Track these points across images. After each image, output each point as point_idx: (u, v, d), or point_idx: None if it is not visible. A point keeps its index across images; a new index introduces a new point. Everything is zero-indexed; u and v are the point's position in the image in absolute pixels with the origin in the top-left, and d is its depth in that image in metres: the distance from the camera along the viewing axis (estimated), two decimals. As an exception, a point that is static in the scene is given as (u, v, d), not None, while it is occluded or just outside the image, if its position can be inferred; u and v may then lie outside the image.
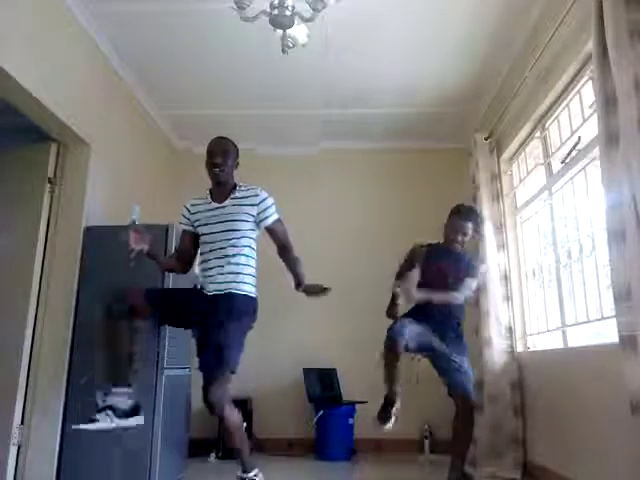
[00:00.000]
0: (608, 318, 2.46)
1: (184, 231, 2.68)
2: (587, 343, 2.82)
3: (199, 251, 2.65)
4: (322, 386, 4.21)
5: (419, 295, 2.78)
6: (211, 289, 2.50)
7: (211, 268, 2.51)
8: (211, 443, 3.96)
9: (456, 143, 4.68)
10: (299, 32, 2.51)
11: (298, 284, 2.64)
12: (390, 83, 3.95)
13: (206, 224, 2.55)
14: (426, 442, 4.02)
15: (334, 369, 4.33)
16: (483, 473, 3.33)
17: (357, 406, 4.02)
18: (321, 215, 4.82)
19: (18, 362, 2.90)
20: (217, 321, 2.40)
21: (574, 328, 3.00)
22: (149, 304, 2.46)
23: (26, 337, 2.94)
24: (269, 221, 2.60)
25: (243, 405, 3.99)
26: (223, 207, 2.56)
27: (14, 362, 2.90)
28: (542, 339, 3.48)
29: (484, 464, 3.39)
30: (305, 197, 4.87)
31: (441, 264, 2.90)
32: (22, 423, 2.88)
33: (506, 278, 3.70)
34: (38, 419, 2.89)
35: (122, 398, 2.36)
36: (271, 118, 4.50)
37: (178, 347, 3.11)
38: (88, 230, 3.19)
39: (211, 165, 2.56)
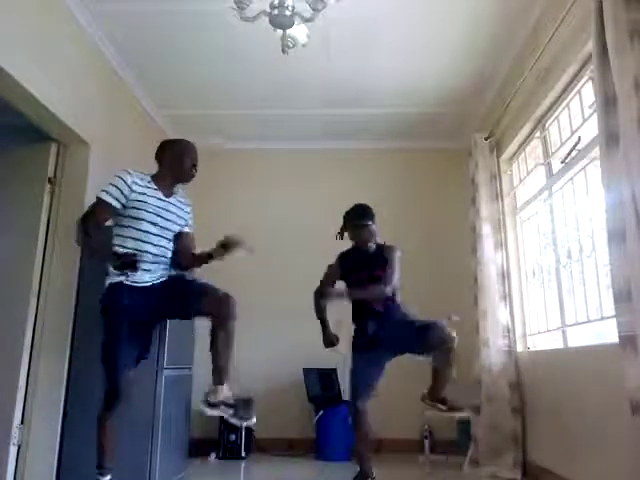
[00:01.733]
0: (608, 318, 2.46)
1: (113, 207, 2.38)
2: (587, 343, 2.82)
3: (124, 233, 2.41)
4: (322, 386, 4.21)
5: (347, 294, 2.90)
6: (146, 279, 2.40)
7: (144, 261, 2.36)
8: (211, 443, 3.96)
9: (456, 143, 4.68)
10: (299, 32, 2.51)
11: (217, 249, 2.53)
12: (390, 83, 3.95)
13: (152, 213, 2.45)
14: (426, 442, 4.01)
15: (334, 369, 4.32)
16: (483, 473, 3.33)
17: (357, 406, 4.02)
18: (321, 215, 4.81)
19: (18, 362, 2.90)
20: (172, 288, 2.44)
21: (571, 328, 3.00)
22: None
23: (26, 337, 2.94)
24: (191, 229, 2.69)
25: (243, 405, 3.99)
26: (170, 203, 2.56)
27: (14, 362, 2.90)
28: (542, 339, 3.48)
29: (484, 463, 3.40)
30: (305, 197, 4.87)
31: (356, 269, 2.95)
32: (22, 423, 2.88)
33: (504, 277, 3.71)
34: (38, 419, 2.89)
35: None
36: (271, 118, 4.50)
37: (178, 347, 3.11)
38: (88, 230, 3.19)
39: (192, 167, 2.60)
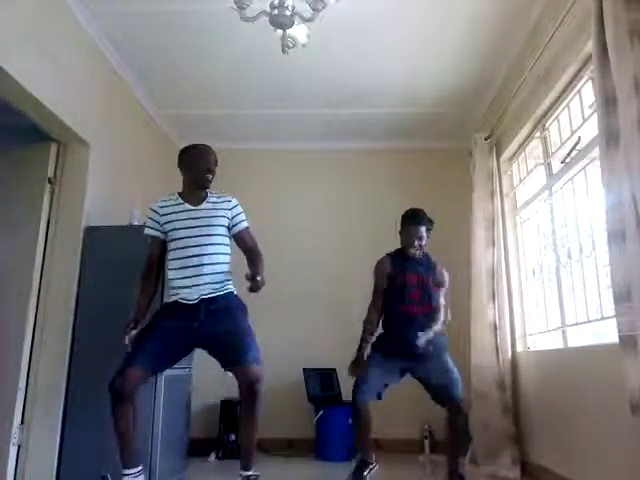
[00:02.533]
0: (608, 318, 2.46)
1: (154, 238, 2.55)
2: (587, 343, 2.82)
3: (169, 256, 2.51)
4: (322, 386, 4.21)
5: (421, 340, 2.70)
6: (194, 296, 2.39)
7: (188, 276, 2.40)
8: (211, 443, 3.96)
9: (456, 143, 4.68)
10: (299, 32, 2.51)
11: (252, 277, 2.40)
12: (390, 83, 3.96)
13: (183, 227, 2.47)
14: (426, 442, 4.02)
15: (334, 369, 4.33)
16: (483, 472, 3.33)
17: (357, 406, 4.02)
18: (321, 215, 4.82)
19: (18, 362, 2.90)
20: (219, 325, 2.37)
21: (570, 328, 3.00)
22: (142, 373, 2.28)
23: (26, 337, 2.94)
24: (241, 227, 2.59)
25: (243, 405, 3.99)
26: (201, 209, 2.52)
27: (14, 362, 2.90)
28: (542, 339, 3.48)
29: (483, 463, 3.40)
30: (305, 197, 4.87)
31: (407, 275, 2.85)
32: (22, 423, 2.88)
33: (494, 277, 3.71)
34: (38, 419, 2.90)
35: None
36: (271, 118, 4.50)
37: (178, 347, 3.10)
38: (88, 230, 3.20)
39: (206, 171, 2.54)
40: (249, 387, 2.35)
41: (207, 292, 2.40)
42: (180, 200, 2.55)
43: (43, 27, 2.82)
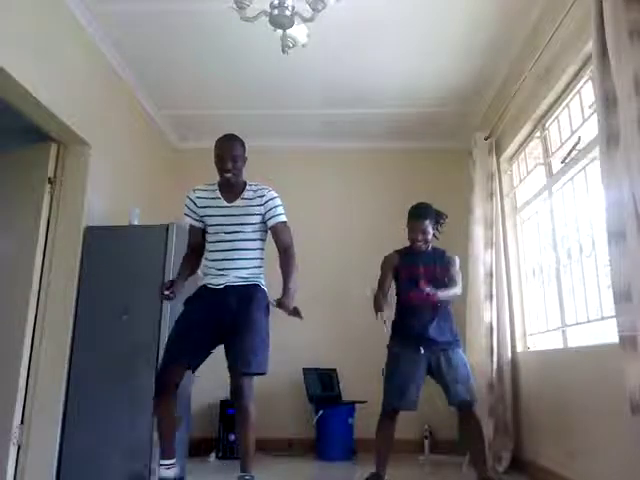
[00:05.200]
0: (608, 318, 2.46)
1: (193, 226, 2.59)
2: (587, 343, 2.82)
3: (207, 247, 2.57)
4: (322, 386, 4.21)
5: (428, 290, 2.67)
6: (222, 282, 2.44)
7: (219, 267, 2.46)
8: (211, 443, 3.96)
9: (456, 143, 4.68)
10: (299, 32, 2.51)
11: (280, 302, 2.45)
12: (390, 83, 3.96)
13: (218, 224, 2.50)
14: (426, 442, 4.02)
15: (334, 369, 4.33)
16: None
17: (357, 406, 4.02)
18: (321, 215, 4.82)
19: (18, 362, 2.90)
20: (238, 314, 2.38)
21: (569, 328, 3.00)
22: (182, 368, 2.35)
23: (26, 337, 2.94)
24: (274, 221, 2.53)
25: (243, 405, 3.99)
26: (235, 207, 2.51)
27: (14, 362, 2.90)
28: (542, 339, 3.48)
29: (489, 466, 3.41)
30: (305, 197, 4.87)
31: (413, 267, 2.85)
32: (22, 423, 2.88)
33: (491, 277, 3.71)
34: (38, 419, 2.90)
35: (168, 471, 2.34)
36: (271, 118, 4.50)
37: (178, 347, 3.10)
38: (88, 230, 3.20)
39: (222, 171, 2.50)
40: (236, 400, 2.31)
41: (233, 280, 2.44)
42: (217, 194, 2.53)
43: (43, 27, 2.82)
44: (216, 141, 2.54)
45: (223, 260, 2.46)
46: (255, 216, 2.51)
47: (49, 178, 3.16)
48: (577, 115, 2.93)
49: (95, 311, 3.06)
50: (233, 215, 2.49)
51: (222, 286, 2.43)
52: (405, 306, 2.84)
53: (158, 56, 3.62)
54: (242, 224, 2.48)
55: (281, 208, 2.56)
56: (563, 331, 3.05)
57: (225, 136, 2.56)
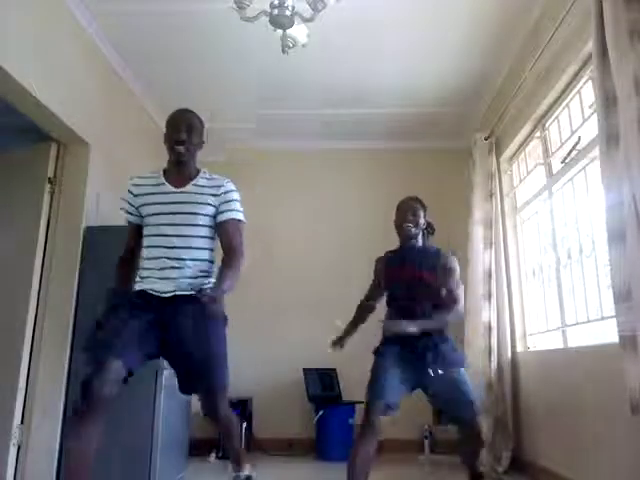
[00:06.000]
0: (608, 318, 2.46)
1: (130, 223, 2.17)
2: (587, 343, 2.81)
3: (143, 245, 2.11)
4: (322, 386, 4.21)
5: (407, 327, 2.27)
6: (168, 289, 1.97)
7: (163, 268, 1.99)
8: (211, 443, 3.96)
9: (456, 143, 4.68)
10: (299, 32, 2.51)
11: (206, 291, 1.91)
12: (390, 83, 3.95)
13: (159, 213, 2.04)
14: (426, 442, 4.02)
15: (334, 369, 4.33)
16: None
17: (357, 406, 4.02)
18: (321, 215, 4.82)
19: (18, 362, 2.90)
20: (190, 329, 1.93)
21: (569, 328, 3.00)
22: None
23: (26, 337, 2.94)
24: (227, 216, 2.08)
25: (243, 405, 4.00)
26: (182, 193, 2.06)
27: (14, 362, 2.90)
28: (542, 339, 3.48)
29: (482, 463, 3.40)
30: (304, 197, 4.87)
31: (404, 269, 2.43)
32: (22, 423, 2.88)
33: (490, 277, 3.71)
34: (38, 419, 2.89)
35: None
36: (271, 118, 4.50)
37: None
38: (88, 230, 3.19)
39: (173, 141, 2.08)
40: (212, 416, 2.05)
41: (184, 288, 1.97)
42: (161, 179, 2.11)
43: (43, 27, 2.82)
44: (168, 118, 2.16)
45: (167, 259, 1.99)
46: (208, 207, 2.05)
47: (49, 178, 3.16)
48: (577, 115, 2.93)
49: (95, 311, 3.06)
50: (180, 203, 2.03)
51: (170, 294, 1.96)
52: (392, 314, 2.47)
53: (158, 56, 3.62)
54: (191, 214, 2.03)
55: (239, 205, 2.13)
56: (563, 331, 3.05)
57: (177, 112, 2.16)
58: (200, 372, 1.98)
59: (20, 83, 2.59)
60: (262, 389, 4.36)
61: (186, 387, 2.05)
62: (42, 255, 3.08)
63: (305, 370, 4.18)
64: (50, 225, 3.14)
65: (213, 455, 3.91)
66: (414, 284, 2.39)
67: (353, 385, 4.27)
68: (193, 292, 1.95)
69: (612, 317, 2.17)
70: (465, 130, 4.47)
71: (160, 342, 1.95)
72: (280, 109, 4.34)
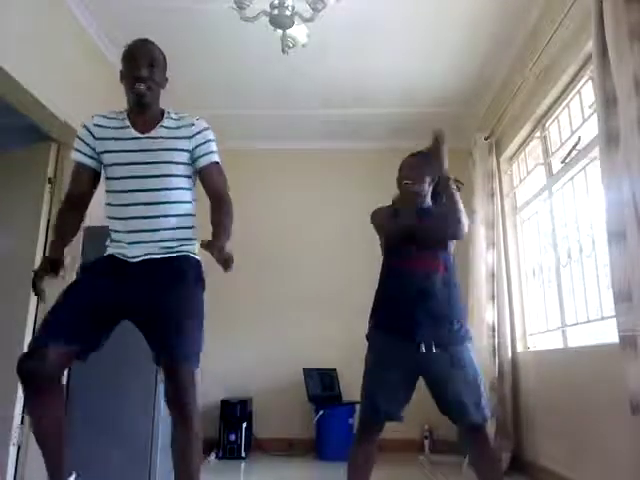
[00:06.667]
0: (608, 318, 2.46)
1: (80, 165, 1.85)
2: (587, 343, 2.82)
3: (106, 201, 1.84)
4: (322, 386, 4.21)
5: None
6: (137, 253, 1.74)
7: (133, 230, 1.76)
8: (211, 443, 3.96)
9: (456, 143, 4.63)
10: (299, 32, 2.51)
11: (210, 243, 1.59)
12: (390, 83, 3.96)
13: (125, 163, 1.76)
14: (426, 442, 4.02)
15: (334, 369, 4.33)
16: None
17: (357, 406, 4.02)
18: (321, 215, 4.82)
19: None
20: (159, 291, 1.69)
21: (569, 328, 3.00)
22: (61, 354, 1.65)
23: (26, 337, 2.94)
24: (206, 160, 1.83)
25: (243, 405, 4.00)
26: (149, 138, 1.79)
27: (14, 362, 2.90)
28: (542, 339, 3.48)
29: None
30: (305, 197, 4.87)
31: (414, 224, 2.00)
32: (22, 423, 2.88)
33: (493, 277, 3.71)
34: (38, 419, 2.89)
35: None
36: (271, 118, 4.50)
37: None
38: (88, 230, 3.19)
39: (133, 79, 1.78)
40: (175, 407, 1.66)
41: (155, 251, 1.75)
42: (126, 122, 1.82)
43: (43, 27, 2.82)
44: (124, 51, 1.86)
45: (137, 219, 1.75)
46: (181, 152, 1.80)
47: (49, 178, 3.16)
48: (577, 115, 2.93)
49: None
50: (149, 150, 1.77)
51: (138, 259, 1.73)
52: (387, 276, 2.05)
53: (158, 56, 3.62)
54: (164, 163, 1.77)
55: (215, 145, 1.88)
56: (563, 331, 3.05)
57: (135, 44, 1.85)
58: (164, 337, 1.66)
59: (20, 83, 2.59)
60: (262, 389, 4.36)
61: (154, 345, 1.71)
62: (42, 255, 3.07)
63: (305, 370, 4.18)
64: (50, 225, 3.13)
65: (213, 455, 3.91)
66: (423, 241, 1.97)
67: (353, 385, 4.25)
68: (169, 254, 1.75)
69: (612, 317, 2.17)
70: (465, 130, 4.46)
71: (121, 309, 1.73)
72: (280, 109, 4.34)
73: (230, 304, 4.27)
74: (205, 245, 1.56)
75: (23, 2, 2.66)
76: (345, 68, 3.75)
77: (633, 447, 2.13)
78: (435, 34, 3.38)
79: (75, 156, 1.85)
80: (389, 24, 3.27)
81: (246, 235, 4.76)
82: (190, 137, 1.82)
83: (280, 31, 2.48)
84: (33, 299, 3.00)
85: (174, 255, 1.76)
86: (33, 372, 1.61)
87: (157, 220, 1.76)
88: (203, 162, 1.83)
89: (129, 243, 1.75)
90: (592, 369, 2.54)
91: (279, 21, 2.39)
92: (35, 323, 2.98)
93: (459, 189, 2.05)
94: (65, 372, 2.52)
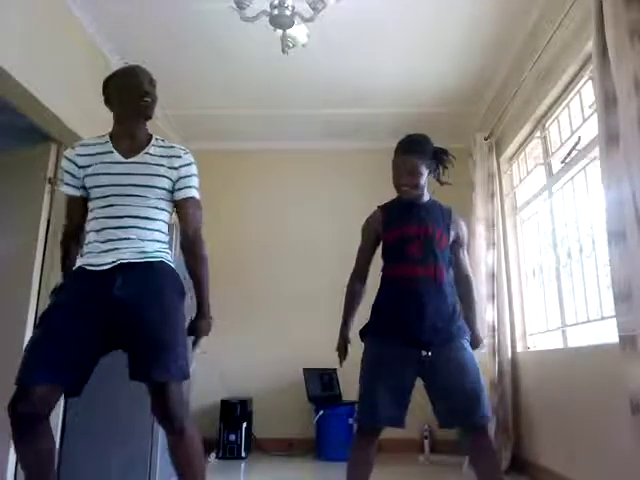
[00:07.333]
0: (608, 318, 2.47)
1: (72, 199, 1.86)
2: (587, 343, 2.82)
3: (87, 227, 1.83)
4: (322, 386, 4.21)
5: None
6: (105, 261, 1.69)
7: (108, 240, 1.72)
8: (211, 443, 3.96)
9: (456, 143, 4.64)
10: (299, 32, 2.51)
11: (197, 326, 1.79)
12: (390, 83, 3.96)
13: (107, 185, 1.75)
14: (426, 442, 4.02)
15: (334, 369, 4.33)
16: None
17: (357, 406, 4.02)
18: (321, 215, 4.82)
19: (18, 363, 2.89)
20: (134, 301, 1.65)
21: (569, 328, 3.00)
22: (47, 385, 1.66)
23: (26, 337, 2.94)
24: (186, 193, 1.84)
25: (243, 405, 4.00)
26: (134, 163, 1.79)
27: (14, 362, 2.90)
28: (542, 339, 3.48)
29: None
30: (305, 197, 4.88)
31: (405, 226, 2.03)
32: (22, 423, 2.88)
33: (493, 277, 3.71)
34: (38, 419, 2.89)
35: None
36: (271, 118, 4.50)
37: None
38: (88, 230, 3.19)
39: (140, 94, 1.87)
40: (166, 423, 1.66)
41: (128, 257, 1.71)
42: (109, 146, 1.82)
43: (43, 27, 2.82)
44: (122, 70, 1.97)
45: (112, 229, 1.73)
46: (163, 179, 1.80)
47: (49, 178, 3.16)
48: (577, 115, 2.93)
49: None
50: (131, 174, 1.76)
51: (108, 266, 1.68)
52: (387, 283, 2.07)
53: (158, 56, 3.61)
54: (143, 186, 1.76)
55: (197, 181, 1.89)
56: (563, 331, 3.06)
57: (135, 67, 2.00)
58: (144, 353, 1.63)
59: (20, 83, 2.59)
60: (262, 389, 4.36)
61: (132, 372, 1.66)
62: (42, 255, 3.08)
63: (305, 370, 4.18)
64: (50, 225, 3.13)
65: (213, 455, 3.92)
66: (420, 241, 1.99)
67: (353, 385, 4.25)
68: (145, 259, 1.72)
69: (612, 317, 2.17)
70: (465, 130, 4.46)
71: (105, 333, 1.68)
72: (280, 109, 4.34)
73: (230, 304, 4.27)
74: (193, 329, 1.78)
75: (23, 2, 2.66)
76: (345, 68, 3.75)
77: (633, 447, 2.13)
78: (435, 34, 3.38)
79: (65, 190, 1.87)
80: (389, 24, 3.27)
81: (246, 235, 4.77)
82: (176, 168, 1.84)
83: (280, 31, 2.48)
84: (33, 299, 3.00)
85: (150, 260, 1.74)
86: (27, 416, 1.61)
87: (133, 230, 1.75)
88: (182, 195, 1.84)
89: (100, 252, 1.72)
90: (592, 369, 2.54)
91: (279, 21, 2.39)
92: (35, 323, 2.98)
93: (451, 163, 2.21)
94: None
